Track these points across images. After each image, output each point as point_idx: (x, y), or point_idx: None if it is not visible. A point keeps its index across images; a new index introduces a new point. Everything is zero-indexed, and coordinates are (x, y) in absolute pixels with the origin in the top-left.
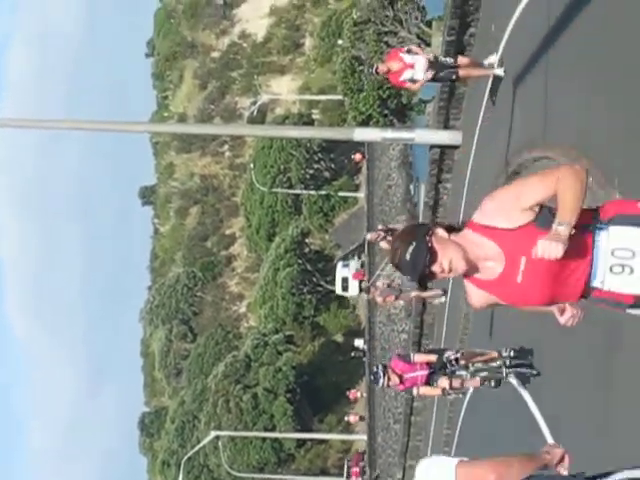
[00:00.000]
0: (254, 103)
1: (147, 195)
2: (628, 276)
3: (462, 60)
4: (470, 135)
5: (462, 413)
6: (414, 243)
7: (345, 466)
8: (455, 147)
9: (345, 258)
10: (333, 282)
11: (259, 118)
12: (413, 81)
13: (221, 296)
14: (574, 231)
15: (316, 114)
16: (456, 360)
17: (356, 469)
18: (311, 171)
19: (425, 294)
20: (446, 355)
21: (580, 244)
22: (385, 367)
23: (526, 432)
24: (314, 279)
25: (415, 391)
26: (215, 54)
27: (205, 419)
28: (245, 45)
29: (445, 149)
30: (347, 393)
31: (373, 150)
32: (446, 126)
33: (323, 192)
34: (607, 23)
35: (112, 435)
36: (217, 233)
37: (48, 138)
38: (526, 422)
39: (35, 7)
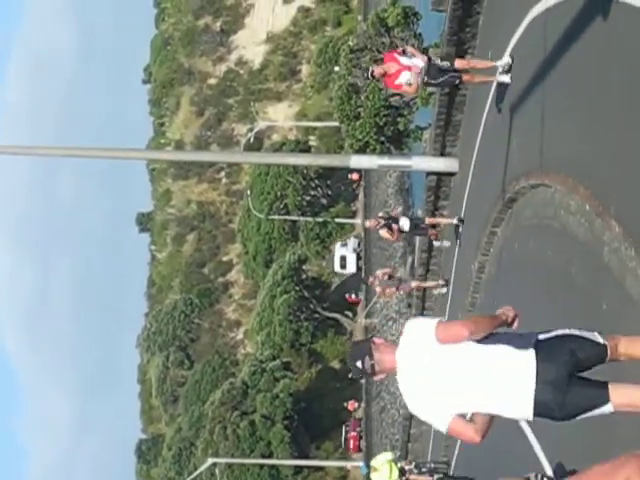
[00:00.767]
0: (251, 130)
1: (144, 222)
2: None
3: (460, 63)
4: (467, 162)
5: (459, 440)
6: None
7: (343, 432)
8: (452, 174)
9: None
10: (330, 308)
11: (256, 145)
12: (409, 84)
13: (218, 323)
14: None
15: (313, 141)
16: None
17: (354, 434)
18: (308, 198)
19: (426, 284)
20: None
21: None
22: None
23: (524, 459)
24: (311, 306)
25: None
26: (212, 81)
27: (202, 446)
28: (242, 72)
29: (442, 176)
30: (345, 405)
31: (370, 177)
32: (442, 153)
33: (320, 219)
34: (605, 50)
35: (109, 462)
36: (214, 260)
37: (43, 165)
38: (524, 449)
39: (31, 34)
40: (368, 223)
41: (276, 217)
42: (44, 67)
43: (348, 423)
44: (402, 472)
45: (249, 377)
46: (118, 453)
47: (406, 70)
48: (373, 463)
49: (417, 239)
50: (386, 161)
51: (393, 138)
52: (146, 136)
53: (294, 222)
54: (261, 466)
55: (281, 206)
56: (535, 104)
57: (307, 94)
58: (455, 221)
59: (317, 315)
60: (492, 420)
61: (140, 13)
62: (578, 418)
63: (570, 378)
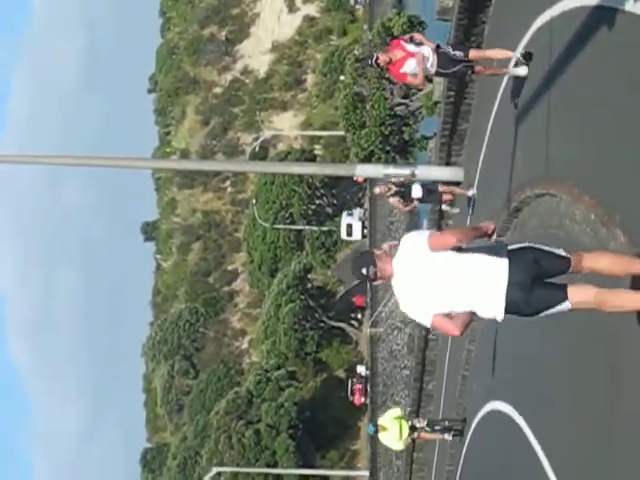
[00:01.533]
0: (256, 139)
1: (149, 231)
2: None
3: (474, 54)
4: (472, 172)
5: (464, 449)
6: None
7: (349, 385)
8: (457, 183)
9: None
10: (335, 317)
11: (261, 154)
12: (414, 75)
13: (223, 332)
14: None
15: (318, 150)
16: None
17: (359, 386)
18: (313, 207)
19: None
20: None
21: None
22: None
23: (528, 469)
24: (316, 315)
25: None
26: (217, 90)
27: (207, 455)
28: (247, 81)
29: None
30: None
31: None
32: (448, 163)
33: (325, 228)
34: (611, 60)
35: (114, 471)
36: (219, 269)
37: (48, 174)
38: (529, 459)
39: (37, 43)
40: (377, 189)
41: (281, 226)
42: (49, 76)
43: (353, 376)
44: (413, 429)
45: (254, 386)
46: (123, 462)
47: (412, 57)
48: (381, 422)
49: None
50: (391, 170)
51: (398, 147)
52: (151, 145)
53: (299, 231)
54: (266, 475)
55: (286, 215)
56: (540, 113)
57: (312, 103)
58: (470, 193)
59: (322, 324)
60: (470, 320)
61: (145, 22)
62: (542, 314)
63: (535, 281)
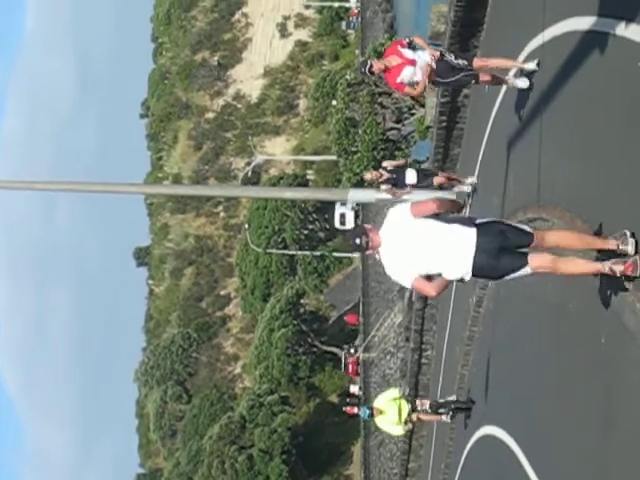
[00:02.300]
0: (249, 164)
1: (142, 256)
2: None
3: (478, 63)
4: (464, 196)
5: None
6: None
7: (343, 356)
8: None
9: None
10: (328, 342)
11: (254, 179)
12: (413, 85)
13: (216, 357)
14: None
15: (311, 175)
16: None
17: (353, 359)
18: (306, 232)
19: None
20: None
21: None
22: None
23: None
24: (309, 340)
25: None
26: (209, 115)
27: None
28: (239, 106)
29: None
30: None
31: (368, 211)
32: (441, 187)
33: (318, 253)
34: (603, 84)
35: None
36: (212, 294)
37: (40, 199)
38: None
39: (29, 68)
40: (368, 175)
41: (274, 251)
42: (41, 101)
43: (348, 346)
44: (413, 411)
45: (247, 411)
46: None
47: (410, 65)
48: (376, 404)
49: None
50: (384, 195)
51: (392, 174)
52: (144, 170)
53: (292, 256)
54: None
55: (279, 240)
56: (532, 137)
57: (305, 128)
58: (469, 182)
59: (315, 349)
60: (446, 285)
61: (138, 47)
62: (507, 277)
63: (501, 250)
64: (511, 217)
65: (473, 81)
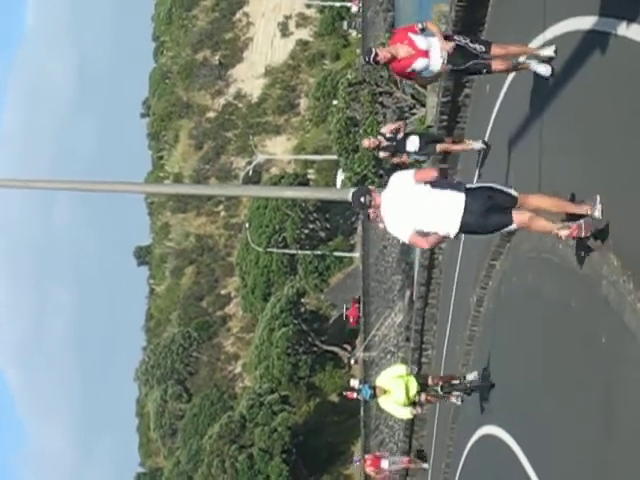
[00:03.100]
0: (249, 163)
1: (142, 255)
2: None
3: (496, 50)
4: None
5: (457, 476)
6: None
7: (344, 309)
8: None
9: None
10: (328, 341)
11: (255, 178)
12: (428, 74)
13: (216, 356)
14: None
15: (311, 174)
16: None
17: (354, 307)
18: (306, 231)
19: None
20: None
21: None
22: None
23: None
24: (310, 339)
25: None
26: (210, 114)
27: (200, 479)
28: (240, 105)
29: None
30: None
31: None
32: None
33: (318, 252)
34: (605, 84)
35: None
36: (212, 293)
37: (39, 198)
38: None
39: (29, 66)
40: (366, 142)
41: (274, 250)
42: (41, 99)
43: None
44: (422, 388)
45: (247, 411)
46: None
47: (422, 57)
48: (379, 382)
49: None
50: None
51: (391, 171)
52: (144, 169)
53: (292, 255)
54: None
55: (279, 239)
56: (533, 137)
57: (306, 127)
58: (477, 147)
59: (315, 348)
60: (439, 240)
61: (139, 46)
62: (496, 232)
63: (490, 210)
64: None
65: (485, 70)
